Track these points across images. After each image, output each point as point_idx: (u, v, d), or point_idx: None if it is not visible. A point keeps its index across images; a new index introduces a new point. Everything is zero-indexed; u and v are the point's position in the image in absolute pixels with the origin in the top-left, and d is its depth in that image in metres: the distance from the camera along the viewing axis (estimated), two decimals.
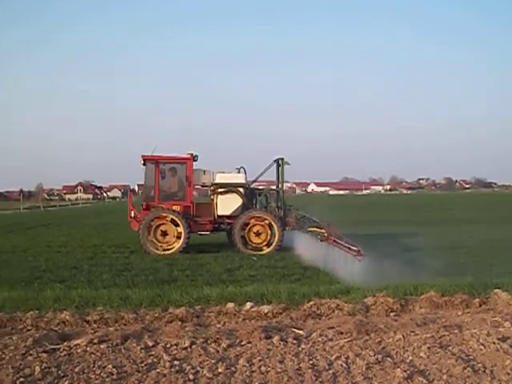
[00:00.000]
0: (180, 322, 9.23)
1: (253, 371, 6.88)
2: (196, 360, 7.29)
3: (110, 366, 7.02)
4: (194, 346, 7.82)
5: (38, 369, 6.94)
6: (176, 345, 7.90)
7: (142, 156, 21.46)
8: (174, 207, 21.20)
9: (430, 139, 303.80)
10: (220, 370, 6.87)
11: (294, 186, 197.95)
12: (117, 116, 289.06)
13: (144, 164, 21.59)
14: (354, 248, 19.17)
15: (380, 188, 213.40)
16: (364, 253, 18.69)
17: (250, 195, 21.94)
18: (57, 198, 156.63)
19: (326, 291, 11.27)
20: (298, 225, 21.14)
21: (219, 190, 21.47)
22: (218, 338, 8.11)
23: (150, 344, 7.96)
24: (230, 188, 21.48)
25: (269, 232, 20.91)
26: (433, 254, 18.23)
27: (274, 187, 22.63)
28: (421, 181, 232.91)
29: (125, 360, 7.31)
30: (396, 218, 40.66)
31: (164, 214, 20.78)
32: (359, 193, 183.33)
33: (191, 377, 6.69)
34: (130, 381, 6.60)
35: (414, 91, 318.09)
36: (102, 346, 7.83)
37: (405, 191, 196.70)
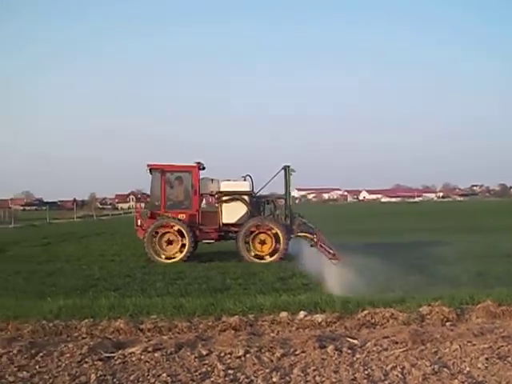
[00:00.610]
0: (233, 331, 9.22)
1: (307, 381, 6.83)
2: (250, 369, 7.27)
3: (165, 375, 7.05)
4: (247, 355, 7.79)
5: (93, 376, 7.02)
6: (230, 354, 7.89)
7: (148, 165, 21.55)
8: (180, 216, 21.23)
9: (482, 144, 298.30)
10: (274, 380, 6.84)
11: (346, 193, 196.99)
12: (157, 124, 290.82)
13: (150, 172, 21.67)
14: (331, 251, 19.41)
15: (433, 195, 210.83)
16: (340, 257, 18.81)
17: (256, 203, 21.85)
18: (109, 206, 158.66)
19: (380, 300, 11.11)
20: (299, 231, 21.04)
21: (224, 198, 21.44)
22: (271, 347, 8.08)
23: (204, 353, 7.96)
24: (234, 196, 21.44)
25: (274, 240, 20.69)
26: (482, 262, 17.95)
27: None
28: (474, 187, 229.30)
29: (179, 369, 7.34)
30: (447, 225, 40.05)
31: (169, 223, 20.89)
32: (411, 200, 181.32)
33: None
34: None
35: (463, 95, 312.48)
36: (156, 355, 7.86)
37: (458, 198, 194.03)
